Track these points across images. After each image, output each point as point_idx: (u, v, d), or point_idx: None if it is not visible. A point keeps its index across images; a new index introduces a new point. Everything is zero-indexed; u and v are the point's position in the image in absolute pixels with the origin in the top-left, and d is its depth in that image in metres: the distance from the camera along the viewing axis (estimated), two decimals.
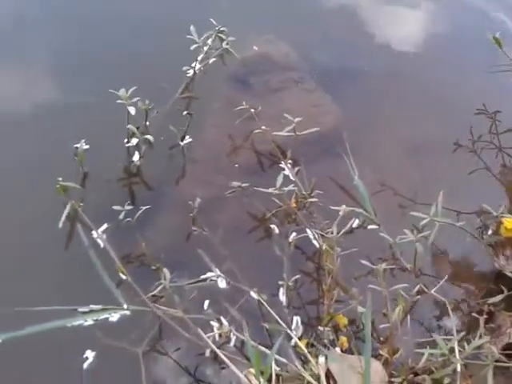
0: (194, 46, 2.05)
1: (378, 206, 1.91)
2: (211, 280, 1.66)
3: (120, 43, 2.28)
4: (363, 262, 1.60)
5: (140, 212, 1.67)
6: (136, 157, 1.87)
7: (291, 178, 1.91)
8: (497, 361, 1.45)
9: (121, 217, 1.65)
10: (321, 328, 1.59)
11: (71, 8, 2.49)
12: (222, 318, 1.57)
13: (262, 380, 1.16)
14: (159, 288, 1.46)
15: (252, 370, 1.25)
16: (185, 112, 1.97)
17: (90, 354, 1.52)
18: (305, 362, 1.50)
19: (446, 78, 2.52)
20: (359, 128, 2.24)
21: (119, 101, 1.73)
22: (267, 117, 2.12)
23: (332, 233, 1.66)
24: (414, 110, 2.40)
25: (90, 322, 1.54)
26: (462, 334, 1.40)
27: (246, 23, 2.45)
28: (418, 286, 1.64)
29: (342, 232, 1.65)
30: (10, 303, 1.52)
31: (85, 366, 1.50)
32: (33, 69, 2.22)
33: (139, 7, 2.49)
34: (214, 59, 2.21)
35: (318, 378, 1.38)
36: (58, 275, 1.67)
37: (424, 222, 1.71)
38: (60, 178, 1.63)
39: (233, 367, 1.29)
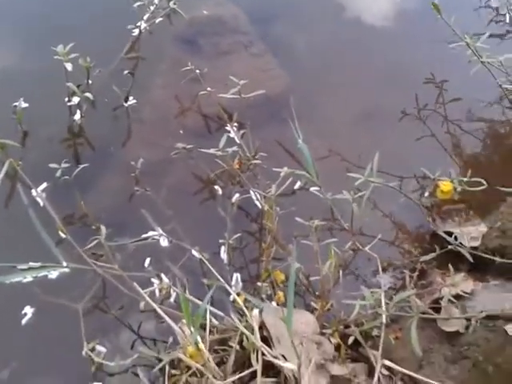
0: (138, 3, 2.00)
1: (324, 171, 1.95)
2: (153, 239, 1.68)
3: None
4: (297, 219, 1.65)
5: (78, 170, 1.67)
6: (77, 116, 1.84)
7: (236, 140, 1.93)
8: (423, 313, 1.54)
9: (57, 174, 1.64)
10: (259, 284, 1.65)
11: None
12: (162, 274, 1.60)
13: (192, 329, 1.20)
14: (94, 243, 1.47)
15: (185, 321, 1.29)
16: (126, 71, 1.94)
17: (28, 310, 1.53)
18: (242, 315, 1.56)
19: (397, 48, 2.56)
20: (308, 94, 2.26)
21: (56, 57, 1.68)
22: (214, 79, 2.12)
23: (273, 193, 1.70)
24: (363, 78, 2.43)
25: (29, 278, 1.54)
26: (388, 286, 1.48)
27: None
28: (351, 243, 1.71)
29: (279, 191, 1.69)
30: None
31: (23, 321, 1.50)
32: None
33: None
34: (160, 19, 2.17)
35: (252, 330, 1.44)
36: None
37: (358, 182, 1.77)
38: None
39: (167, 318, 1.33)
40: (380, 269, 1.61)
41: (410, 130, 2.29)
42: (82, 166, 1.67)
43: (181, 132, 2.04)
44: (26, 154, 1.76)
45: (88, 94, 1.77)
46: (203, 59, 2.21)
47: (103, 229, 1.46)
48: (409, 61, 2.52)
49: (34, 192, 1.66)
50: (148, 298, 1.39)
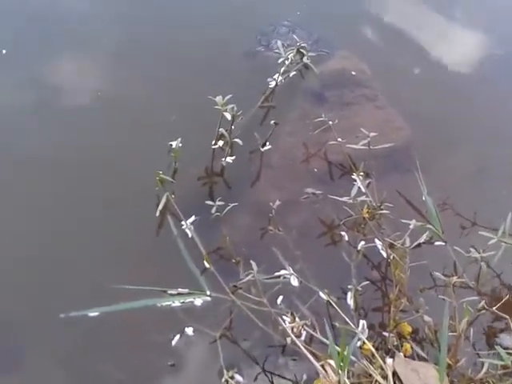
0: (281, 59, 2.20)
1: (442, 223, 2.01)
2: (284, 277, 1.79)
3: (215, 54, 2.45)
4: (437, 273, 1.69)
5: (228, 208, 1.83)
6: (227, 158, 2.03)
7: (362, 189, 2.02)
8: None
9: (212, 211, 1.82)
10: (385, 333, 1.70)
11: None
12: (295, 314, 1.70)
13: (341, 372, 1.28)
14: (248, 278, 1.60)
15: (330, 362, 1.37)
16: (272, 121, 2.12)
17: (178, 333, 1.68)
18: (370, 362, 1.61)
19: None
20: (427, 146, 2.33)
21: (216, 106, 1.89)
22: (339, 129, 2.24)
23: (403, 244, 1.76)
24: (480, 131, 2.47)
25: (177, 303, 1.70)
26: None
27: (322, 39, 2.60)
28: (481, 303, 1.72)
29: (414, 244, 1.75)
30: (108, 281, 1.71)
31: (173, 343, 1.66)
32: (143, 74, 2.37)
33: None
34: (294, 73, 2.36)
35: (384, 377, 1.49)
36: (147, 259, 1.85)
37: (491, 242, 1.80)
38: (160, 171, 1.81)
39: (312, 359, 1.42)
40: None
41: None
42: (232, 204, 1.83)
43: (307, 175, 2.17)
44: (176, 189, 1.96)
45: (237, 140, 1.95)
46: (329, 110, 2.35)
47: (254, 265, 1.59)
48: None
49: (183, 224, 1.84)
50: (292, 334, 1.49)
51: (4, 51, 2.41)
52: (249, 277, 1.57)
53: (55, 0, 2.71)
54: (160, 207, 1.80)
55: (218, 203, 1.80)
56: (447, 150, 2.38)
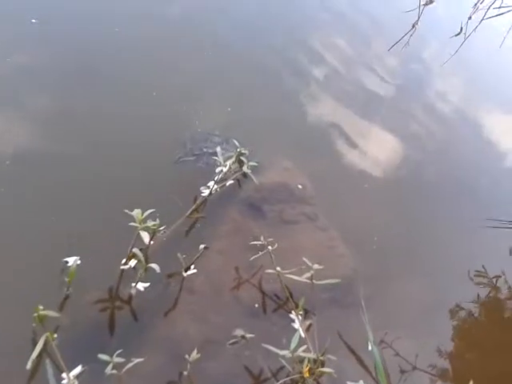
0: (220, 168, 1.89)
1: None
2: None
3: (141, 163, 2.07)
4: None
5: (130, 365, 1.35)
6: (138, 284, 1.59)
7: (302, 334, 1.67)
8: None
9: (107, 370, 1.32)
10: None
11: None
12: None
13: None
14: None
15: None
16: (202, 246, 1.73)
17: None
18: None
19: (451, 234, 2.45)
20: (371, 277, 2.08)
21: (132, 223, 1.49)
22: (276, 251, 1.92)
23: None
24: (420, 266, 2.27)
25: None
26: None
27: (267, 148, 2.34)
28: None
29: None
30: None
31: None
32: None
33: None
34: (231, 181, 2.05)
35: None
36: None
37: None
38: (41, 307, 1.33)
39: None
40: None
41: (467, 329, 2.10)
42: (136, 360, 1.37)
43: (236, 306, 1.80)
44: (62, 324, 1.47)
45: (154, 265, 1.53)
46: (266, 226, 2.05)
47: None
48: (462, 248, 2.37)
49: (65, 377, 1.34)
50: None
51: None
52: None
53: None
54: (34, 355, 1.30)
55: (115, 360, 1.32)
56: (390, 282, 2.15)
